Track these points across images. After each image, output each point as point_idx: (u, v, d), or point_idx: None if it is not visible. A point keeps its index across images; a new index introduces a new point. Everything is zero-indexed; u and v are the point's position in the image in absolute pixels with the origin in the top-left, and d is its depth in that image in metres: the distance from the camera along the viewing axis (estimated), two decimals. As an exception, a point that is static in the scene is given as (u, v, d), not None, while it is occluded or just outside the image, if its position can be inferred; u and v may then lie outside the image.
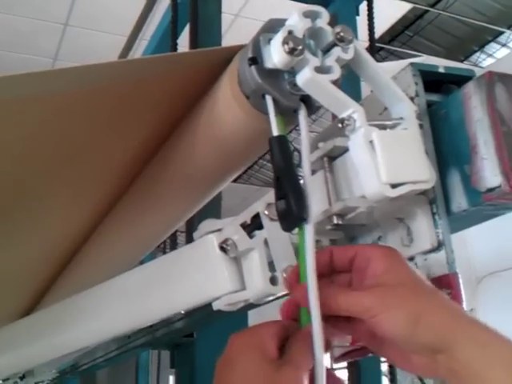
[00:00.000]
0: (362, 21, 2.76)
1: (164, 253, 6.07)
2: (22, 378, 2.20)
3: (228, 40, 2.54)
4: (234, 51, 0.71)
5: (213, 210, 1.57)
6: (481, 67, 7.35)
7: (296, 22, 0.63)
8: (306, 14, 0.63)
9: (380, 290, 0.57)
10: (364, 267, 0.60)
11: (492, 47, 7.39)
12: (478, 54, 7.43)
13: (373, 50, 2.79)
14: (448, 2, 6.60)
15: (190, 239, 1.87)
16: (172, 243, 2.12)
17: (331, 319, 0.60)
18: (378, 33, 2.87)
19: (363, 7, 2.77)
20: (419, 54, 7.12)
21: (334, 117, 0.67)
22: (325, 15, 0.64)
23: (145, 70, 0.72)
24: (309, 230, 0.61)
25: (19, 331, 1.43)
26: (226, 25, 2.43)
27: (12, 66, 6.99)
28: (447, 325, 0.54)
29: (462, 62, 7.39)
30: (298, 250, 0.63)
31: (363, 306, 0.57)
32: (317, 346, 0.58)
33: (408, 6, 6.67)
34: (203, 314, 0.88)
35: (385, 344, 0.59)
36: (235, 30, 6.23)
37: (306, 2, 2.87)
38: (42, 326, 1.30)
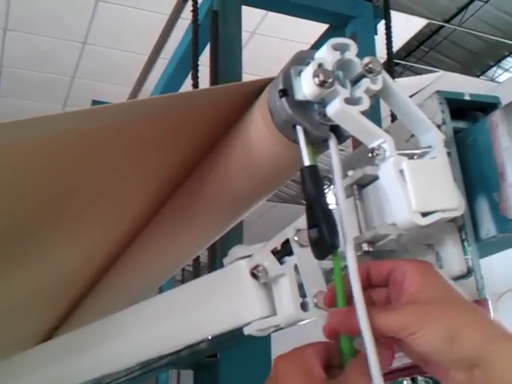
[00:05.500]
0: (379, 37, 2.76)
1: (183, 273, 6.03)
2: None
3: (245, 56, 2.56)
4: (266, 82, 0.73)
5: (236, 233, 1.59)
6: (497, 82, 7.34)
7: (325, 54, 0.64)
8: (336, 47, 0.65)
9: (414, 307, 0.57)
10: (401, 282, 0.60)
11: (508, 62, 7.38)
12: (494, 68, 7.42)
13: (391, 67, 2.79)
14: (463, 17, 6.61)
15: (212, 261, 1.88)
16: (195, 262, 2.14)
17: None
18: (393, 48, 2.86)
19: (380, 25, 2.78)
20: (435, 69, 7.12)
21: (355, 141, 0.68)
22: (353, 47, 0.65)
23: (183, 104, 0.74)
24: (350, 254, 0.61)
25: (42, 356, 1.42)
26: (242, 41, 2.44)
27: (33, 84, 7.09)
28: (484, 340, 0.54)
29: (478, 76, 7.38)
30: (334, 276, 0.63)
31: (399, 324, 0.56)
32: (373, 367, 0.57)
33: (423, 22, 6.69)
34: (228, 336, 0.89)
35: (427, 361, 0.59)
36: (252, 47, 6.28)
37: (325, 22, 2.90)
38: (66, 350, 1.30)
